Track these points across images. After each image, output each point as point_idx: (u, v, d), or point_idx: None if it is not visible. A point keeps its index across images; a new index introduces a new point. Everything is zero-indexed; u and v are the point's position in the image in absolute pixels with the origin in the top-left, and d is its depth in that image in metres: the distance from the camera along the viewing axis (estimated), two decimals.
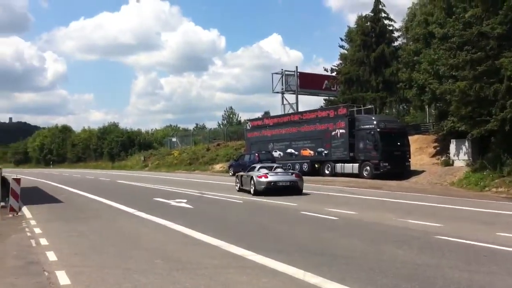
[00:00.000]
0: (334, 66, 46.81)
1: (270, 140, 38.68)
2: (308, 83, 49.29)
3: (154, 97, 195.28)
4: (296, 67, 49.91)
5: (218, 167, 46.78)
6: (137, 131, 78.34)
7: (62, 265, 7.67)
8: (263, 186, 19.37)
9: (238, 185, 22.06)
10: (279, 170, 20.80)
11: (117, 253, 8.66)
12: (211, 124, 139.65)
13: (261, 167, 21.15)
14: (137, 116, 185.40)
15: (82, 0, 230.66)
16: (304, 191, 19.67)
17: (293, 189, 19.45)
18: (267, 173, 19.80)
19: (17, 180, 14.68)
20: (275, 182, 19.47)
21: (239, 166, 37.29)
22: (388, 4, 50.86)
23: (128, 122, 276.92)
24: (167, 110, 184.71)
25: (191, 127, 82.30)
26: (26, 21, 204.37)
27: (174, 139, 64.11)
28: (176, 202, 17.31)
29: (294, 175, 20.75)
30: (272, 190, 19.20)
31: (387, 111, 41.31)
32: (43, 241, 9.81)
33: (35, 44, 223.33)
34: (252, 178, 20.04)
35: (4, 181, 19.06)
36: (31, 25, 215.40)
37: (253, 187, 19.78)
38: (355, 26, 43.88)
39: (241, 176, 22.02)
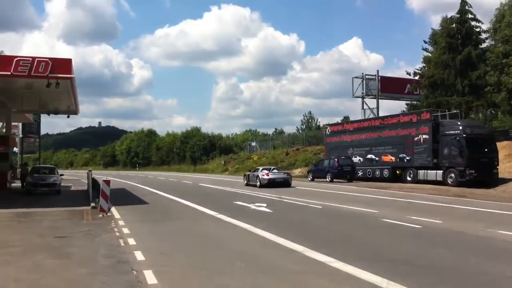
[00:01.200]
0: (417, 69, 45.60)
1: (350, 145, 38.25)
2: (389, 87, 48.34)
3: (234, 102, 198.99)
4: (377, 71, 49.21)
5: (297, 171, 46.76)
6: (218, 136, 79.91)
7: (149, 264, 7.98)
8: (266, 181, 28.57)
9: (246, 181, 31.20)
10: (275, 170, 31.11)
11: (200, 254, 8.90)
12: (290, 129, 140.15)
13: (263, 169, 30.93)
14: (218, 120, 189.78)
15: (167, 8, 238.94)
16: (384, 197, 19.39)
17: (285, 184, 28.91)
18: (268, 172, 29.59)
19: (107, 182, 15.44)
20: (273, 178, 29.09)
21: (318, 171, 37.20)
22: (475, 5, 48.78)
23: (209, 126, 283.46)
24: (247, 115, 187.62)
25: (270, 131, 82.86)
26: (115, 30, 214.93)
27: (253, 144, 64.83)
28: (256, 206, 17.52)
29: (286, 174, 31.14)
30: (271, 184, 28.30)
31: (473, 116, 39.64)
32: (131, 241, 10.24)
33: (123, 51, 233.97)
34: (257, 176, 29.41)
35: (94, 182, 20.12)
36: (120, 33, 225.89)
37: (258, 182, 28.95)
38: (440, 28, 42.51)
39: (248, 175, 31.40)
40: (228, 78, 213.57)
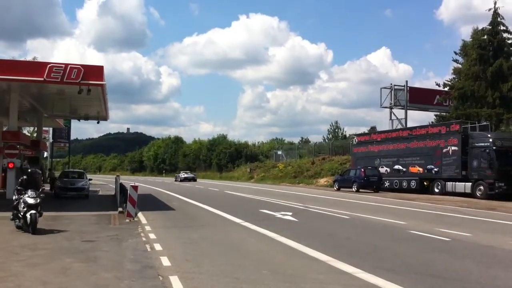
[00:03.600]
0: (447, 80, 45.14)
1: (377, 155, 37.98)
2: (418, 98, 47.85)
3: (261, 111, 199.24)
4: (406, 81, 48.76)
5: (322, 181, 46.57)
6: (244, 143, 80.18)
7: (175, 270, 8.03)
8: (182, 178, 53.39)
9: (174, 179, 50.80)
10: (188, 172, 56.77)
11: (226, 261, 8.91)
12: (316, 138, 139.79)
13: (182, 171, 61.08)
14: (244, 129, 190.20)
15: (196, 16, 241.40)
16: (411, 209, 19.17)
17: (193, 180, 51.49)
18: (183, 173, 57.06)
19: (135, 187, 15.60)
20: (186, 177, 54.74)
21: (344, 181, 37.02)
22: (507, 17, 47.97)
23: (235, 134, 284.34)
24: (273, 124, 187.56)
25: (296, 140, 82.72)
26: (145, 37, 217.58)
27: (279, 152, 64.82)
28: (281, 214, 17.47)
29: (193, 174, 56.82)
30: (185, 180, 53.22)
31: (503, 128, 38.95)
32: (157, 247, 10.32)
33: (152, 59, 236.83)
34: (179, 175, 57.43)
35: (122, 187, 20.36)
36: (149, 41, 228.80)
37: (179, 179, 55.20)
38: (471, 39, 42.00)
39: (176, 175, 57.08)
40: (255, 87, 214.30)
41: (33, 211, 11.89)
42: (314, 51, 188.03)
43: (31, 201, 11.99)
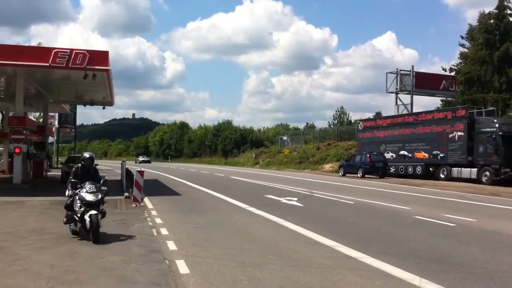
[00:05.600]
0: (453, 65, 44.81)
1: (383, 141, 37.91)
2: (424, 83, 47.65)
3: (265, 96, 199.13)
4: (412, 66, 48.60)
5: (328, 166, 46.59)
6: (249, 129, 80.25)
7: (181, 254, 8.10)
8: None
9: None
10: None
11: (232, 246, 8.96)
12: (321, 124, 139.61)
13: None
14: (249, 114, 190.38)
15: (199, 1, 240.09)
16: (416, 194, 19.17)
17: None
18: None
19: (141, 173, 15.68)
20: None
21: (349, 167, 37.01)
22: None
23: (240, 120, 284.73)
24: (278, 109, 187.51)
25: (301, 126, 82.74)
26: (149, 23, 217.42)
27: (284, 138, 64.81)
28: (286, 199, 17.52)
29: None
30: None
31: (510, 114, 38.78)
32: (164, 231, 10.40)
33: (156, 44, 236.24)
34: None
35: (128, 173, 20.45)
36: (153, 26, 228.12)
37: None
38: (477, 23, 41.64)
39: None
40: (259, 72, 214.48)
41: (93, 212, 9.04)
42: (319, 35, 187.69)
43: (90, 197, 9.22)
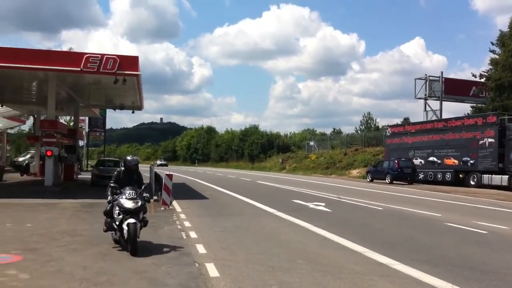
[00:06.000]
0: (484, 71, 44.10)
1: (411, 147, 37.51)
2: (453, 89, 47.01)
3: (292, 101, 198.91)
4: (441, 72, 48.03)
5: (355, 172, 46.26)
6: (276, 134, 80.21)
7: (211, 258, 8.13)
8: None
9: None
10: None
11: (261, 250, 8.96)
12: (348, 129, 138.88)
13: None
14: (275, 119, 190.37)
15: (227, 7, 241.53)
16: (446, 201, 18.92)
17: None
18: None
19: (170, 176, 15.80)
20: None
21: (377, 172, 36.67)
22: None
23: (266, 125, 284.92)
24: (304, 114, 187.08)
25: (327, 131, 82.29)
26: (177, 28, 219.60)
27: (311, 143, 64.59)
28: (314, 205, 17.45)
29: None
30: None
31: None
32: (193, 234, 10.46)
33: (183, 50, 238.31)
34: None
35: (157, 176, 20.62)
36: (181, 32, 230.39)
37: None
38: (508, 29, 40.91)
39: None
40: (286, 77, 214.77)
41: (131, 220, 8.31)
42: (346, 41, 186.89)
43: (128, 204, 8.49)
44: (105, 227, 9.16)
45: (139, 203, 8.58)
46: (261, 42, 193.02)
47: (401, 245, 9.86)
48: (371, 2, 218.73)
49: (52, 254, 8.18)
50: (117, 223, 8.56)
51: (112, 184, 8.95)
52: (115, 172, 9.22)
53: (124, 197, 8.57)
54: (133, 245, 8.15)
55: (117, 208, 8.57)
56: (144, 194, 8.91)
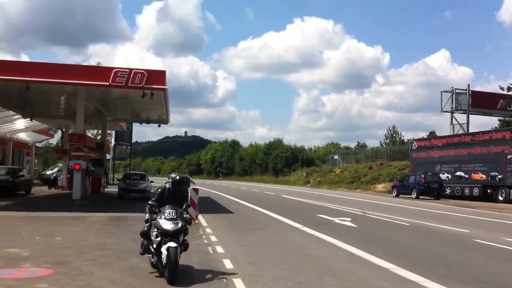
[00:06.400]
0: (511, 84, 43.41)
1: (438, 161, 37.09)
2: (480, 102, 46.36)
3: (316, 114, 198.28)
4: (468, 85, 47.47)
5: (380, 187, 45.84)
6: (300, 148, 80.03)
7: (238, 273, 8.13)
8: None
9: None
10: None
11: (288, 265, 8.94)
12: (373, 143, 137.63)
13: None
14: (299, 132, 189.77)
15: (251, 21, 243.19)
16: (474, 217, 18.65)
17: None
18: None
19: (196, 190, 15.88)
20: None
21: (403, 187, 36.29)
22: None
23: (290, 138, 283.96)
24: (328, 128, 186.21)
25: (352, 145, 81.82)
26: (201, 42, 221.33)
27: (336, 157, 64.28)
28: (340, 220, 17.35)
29: None
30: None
31: None
32: (219, 249, 10.48)
33: (208, 63, 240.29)
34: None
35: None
36: (205, 46, 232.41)
37: None
38: None
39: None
40: (310, 91, 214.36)
41: (172, 244, 7.34)
42: (370, 54, 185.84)
43: (167, 225, 7.46)
44: (141, 250, 8.18)
45: (179, 225, 7.55)
46: (285, 55, 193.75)
47: (428, 262, 9.75)
48: (395, 14, 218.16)
49: (81, 268, 8.26)
50: (154, 246, 7.64)
51: (150, 202, 8.00)
52: (159, 190, 8.15)
53: (163, 217, 7.57)
54: (172, 273, 7.23)
55: (155, 230, 7.60)
56: (185, 215, 7.90)
